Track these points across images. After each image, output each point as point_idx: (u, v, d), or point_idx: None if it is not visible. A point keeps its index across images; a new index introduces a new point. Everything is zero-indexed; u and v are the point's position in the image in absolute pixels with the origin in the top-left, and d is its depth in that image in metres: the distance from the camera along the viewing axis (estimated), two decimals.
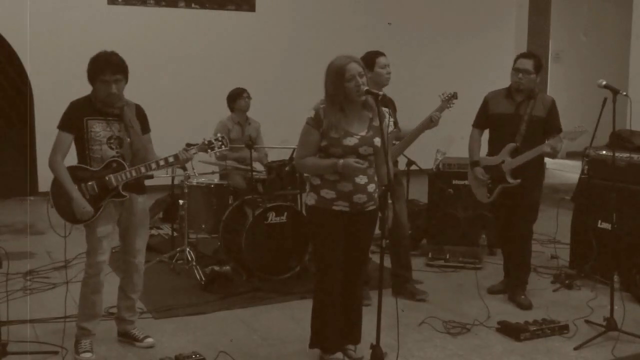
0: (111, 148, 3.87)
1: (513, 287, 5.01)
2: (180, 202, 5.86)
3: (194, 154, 4.03)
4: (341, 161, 3.53)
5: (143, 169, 3.89)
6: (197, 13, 9.77)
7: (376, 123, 3.66)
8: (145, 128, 4.04)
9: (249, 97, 6.44)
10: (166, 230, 6.73)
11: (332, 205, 3.64)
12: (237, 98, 6.42)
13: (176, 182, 6.20)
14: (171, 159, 3.94)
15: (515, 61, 4.85)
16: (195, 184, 5.85)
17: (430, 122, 4.79)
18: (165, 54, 9.53)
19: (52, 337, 4.01)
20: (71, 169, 3.83)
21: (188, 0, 9.73)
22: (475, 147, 4.97)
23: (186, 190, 5.78)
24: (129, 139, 3.90)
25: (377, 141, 3.64)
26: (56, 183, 3.84)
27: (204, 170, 6.21)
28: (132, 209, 3.99)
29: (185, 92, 9.61)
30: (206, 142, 4.06)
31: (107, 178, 3.83)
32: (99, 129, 3.85)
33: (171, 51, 9.56)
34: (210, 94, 8.95)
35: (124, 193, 3.89)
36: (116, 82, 3.81)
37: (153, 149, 4.05)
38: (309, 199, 3.73)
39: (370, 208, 3.71)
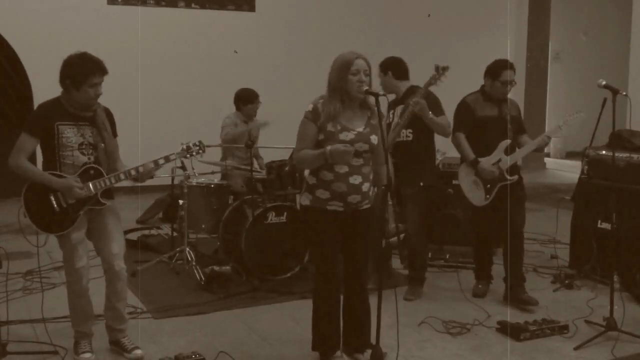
0: (83, 154, 3.77)
1: (514, 287, 4.98)
2: (180, 202, 5.86)
3: (174, 159, 4.00)
4: (329, 147, 3.53)
5: (122, 176, 3.82)
6: (197, 13, 9.78)
7: (374, 121, 3.68)
8: (114, 132, 3.94)
9: (259, 103, 6.47)
10: (166, 230, 6.73)
11: (327, 205, 3.65)
12: (249, 103, 6.42)
13: (176, 182, 6.20)
14: (151, 165, 3.86)
15: (499, 73, 4.82)
16: (195, 184, 5.84)
17: (412, 106, 4.74)
18: (165, 54, 9.53)
19: (52, 337, 4.00)
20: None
21: (188, 0, 9.74)
22: (468, 146, 4.94)
23: (186, 190, 5.78)
24: (102, 144, 3.81)
25: (374, 139, 3.65)
26: (29, 190, 3.74)
27: (204, 171, 6.21)
28: (102, 215, 3.89)
29: (185, 92, 9.62)
30: (185, 148, 4.04)
31: (85, 185, 3.74)
32: (70, 135, 3.74)
33: (171, 51, 9.57)
34: (210, 93, 8.97)
35: (102, 201, 3.82)
36: (101, 84, 3.74)
37: (119, 155, 3.94)
38: (304, 199, 3.74)
39: (365, 207, 3.72)
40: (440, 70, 4.70)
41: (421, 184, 4.98)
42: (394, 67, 5.08)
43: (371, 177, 3.73)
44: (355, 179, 3.63)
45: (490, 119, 4.89)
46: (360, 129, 3.64)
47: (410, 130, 4.92)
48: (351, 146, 3.54)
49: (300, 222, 5.23)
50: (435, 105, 4.86)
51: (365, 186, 3.68)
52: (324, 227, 3.67)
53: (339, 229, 3.71)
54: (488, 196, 4.90)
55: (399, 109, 4.96)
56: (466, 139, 4.94)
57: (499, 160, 4.84)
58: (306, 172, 3.79)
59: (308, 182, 3.72)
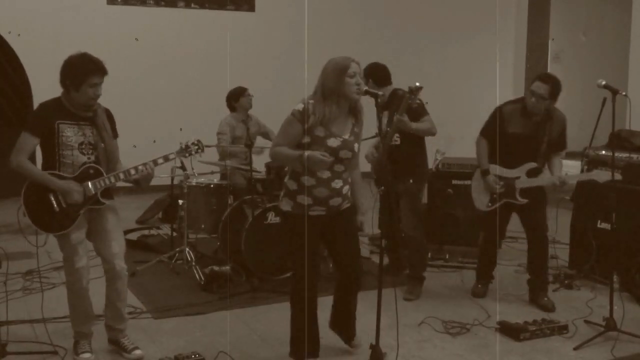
0: (83, 154, 3.78)
1: (535, 290, 4.99)
2: (180, 202, 5.86)
3: (173, 159, 4.02)
4: (307, 153, 3.52)
5: (122, 176, 3.83)
6: (196, 13, 9.78)
7: (357, 129, 3.73)
8: (115, 133, 3.95)
9: (250, 95, 6.46)
10: (166, 230, 6.73)
11: (309, 211, 3.65)
12: (240, 96, 6.42)
13: (176, 182, 6.20)
14: (151, 164, 3.86)
15: (533, 82, 4.73)
16: (194, 184, 5.84)
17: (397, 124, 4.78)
18: (165, 54, 9.53)
19: (52, 337, 4.00)
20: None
21: (188, 0, 9.74)
22: (485, 155, 4.91)
23: (186, 190, 5.78)
24: (103, 144, 3.82)
25: (356, 147, 3.70)
26: (28, 190, 3.73)
27: (203, 171, 6.20)
28: (101, 214, 3.89)
29: (185, 92, 9.61)
30: (183, 147, 4.06)
31: (85, 185, 3.75)
32: (70, 134, 3.74)
33: (171, 51, 9.56)
34: (210, 93, 8.94)
35: (102, 200, 3.83)
36: (101, 84, 3.74)
37: (119, 156, 3.94)
38: (284, 204, 3.73)
39: (345, 207, 3.77)
40: (414, 91, 4.66)
41: (411, 180, 5.00)
42: (374, 75, 5.10)
43: (349, 180, 3.78)
44: (337, 183, 3.67)
45: (520, 137, 4.76)
46: (346, 137, 3.66)
47: (398, 135, 4.97)
48: (330, 156, 3.54)
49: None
50: (418, 109, 4.89)
51: (345, 189, 3.74)
52: (304, 233, 3.66)
53: (319, 234, 3.74)
54: (490, 204, 4.91)
55: (386, 114, 5.01)
56: (493, 147, 4.87)
57: (518, 178, 4.81)
58: (286, 177, 3.77)
59: (288, 188, 3.71)
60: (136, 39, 9.40)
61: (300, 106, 3.61)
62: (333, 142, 3.60)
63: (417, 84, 4.61)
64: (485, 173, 4.90)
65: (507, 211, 4.97)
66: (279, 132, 3.70)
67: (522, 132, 4.78)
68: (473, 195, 5.05)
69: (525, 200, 4.80)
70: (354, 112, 3.72)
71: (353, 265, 3.87)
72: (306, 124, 3.57)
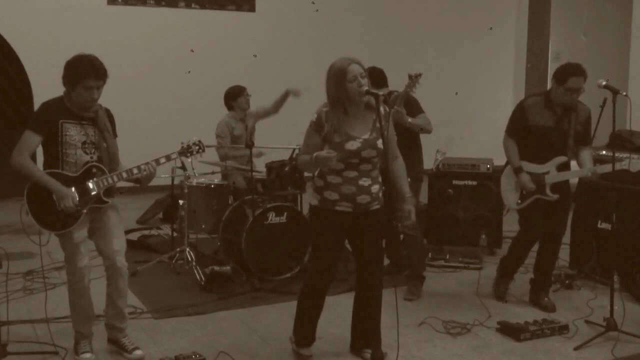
0: (86, 153, 3.79)
1: (537, 290, 4.97)
2: (180, 202, 5.86)
3: (175, 158, 4.04)
4: (315, 154, 3.54)
5: (125, 174, 3.84)
6: (197, 13, 9.78)
7: (379, 124, 3.67)
8: (114, 133, 3.96)
9: (248, 95, 6.46)
10: (166, 230, 6.74)
11: (335, 206, 3.65)
12: (238, 96, 6.42)
13: (176, 182, 6.20)
14: (153, 163, 3.88)
15: (566, 79, 4.52)
16: (195, 184, 5.85)
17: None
18: (165, 54, 9.54)
19: (52, 337, 4.00)
20: (48, 175, 3.74)
21: (188, 0, 9.74)
22: (515, 154, 4.79)
23: (186, 191, 5.78)
24: (105, 144, 3.83)
25: (381, 143, 3.65)
26: (32, 188, 3.73)
27: (204, 171, 6.21)
28: (103, 213, 3.89)
29: (185, 92, 9.62)
30: (185, 147, 4.08)
31: (88, 184, 3.76)
32: (73, 133, 3.75)
33: (171, 51, 9.57)
34: (210, 94, 8.96)
35: (105, 199, 3.83)
36: (98, 88, 3.73)
37: (119, 156, 3.95)
38: (312, 199, 3.75)
39: (375, 207, 3.72)
40: (414, 78, 4.63)
41: (408, 179, 5.02)
42: (370, 79, 5.08)
43: (380, 179, 3.74)
44: (365, 181, 3.65)
45: (545, 129, 4.65)
46: (366, 136, 3.64)
47: (393, 132, 4.96)
48: (333, 151, 3.51)
49: (304, 221, 5.28)
50: (413, 106, 4.89)
51: (375, 188, 3.69)
52: (329, 227, 3.68)
53: (344, 231, 3.73)
54: (519, 202, 4.83)
55: None
56: (521, 143, 4.77)
57: (547, 172, 4.71)
58: (316, 174, 3.77)
59: (316, 185, 3.72)
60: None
61: (314, 117, 3.64)
62: (352, 145, 3.59)
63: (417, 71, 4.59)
64: (518, 171, 4.75)
65: (540, 207, 4.81)
66: (302, 144, 3.73)
67: (545, 124, 4.67)
68: (502, 193, 4.93)
69: (557, 196, 4.69)
70: (370, 107, 3.68)
71: (374, 266, 3.82)
72: (322, 132, 3.60)
